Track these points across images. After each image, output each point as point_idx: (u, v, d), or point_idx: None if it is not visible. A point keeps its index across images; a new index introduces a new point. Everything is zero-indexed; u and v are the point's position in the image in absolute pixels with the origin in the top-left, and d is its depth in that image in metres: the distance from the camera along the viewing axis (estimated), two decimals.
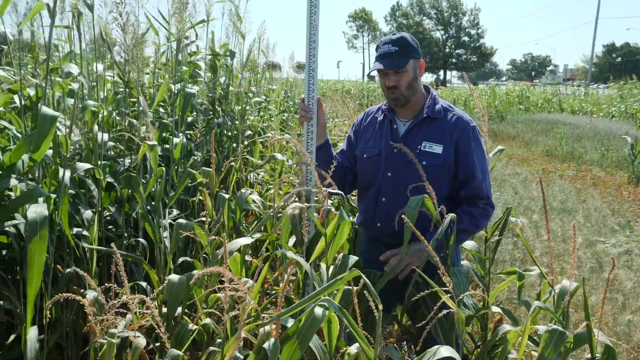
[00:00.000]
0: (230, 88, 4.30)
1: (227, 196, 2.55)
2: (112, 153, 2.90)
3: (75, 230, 2.22)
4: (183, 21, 2.66)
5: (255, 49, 4.70)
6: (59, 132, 2.18)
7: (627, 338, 3.26)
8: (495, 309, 1.96)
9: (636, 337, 3.25)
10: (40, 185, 1.92)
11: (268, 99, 6.54)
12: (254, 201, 2.61)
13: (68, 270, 1.77)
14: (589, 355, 1.54)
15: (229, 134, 4.26)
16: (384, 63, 2.04)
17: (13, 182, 1.83)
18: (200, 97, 3.95)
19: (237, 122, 4.36)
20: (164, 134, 3.31)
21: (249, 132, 4.41)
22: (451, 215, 1.71)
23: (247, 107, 4.59)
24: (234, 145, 4.30)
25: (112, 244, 1.74)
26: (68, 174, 2.05)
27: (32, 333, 1.72)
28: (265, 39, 5.05)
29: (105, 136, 2.44)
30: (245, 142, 4.20)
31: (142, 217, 2.35)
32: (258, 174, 4.30)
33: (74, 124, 2.17)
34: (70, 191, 2.21)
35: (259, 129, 5.08)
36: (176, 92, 2.94)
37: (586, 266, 4.52)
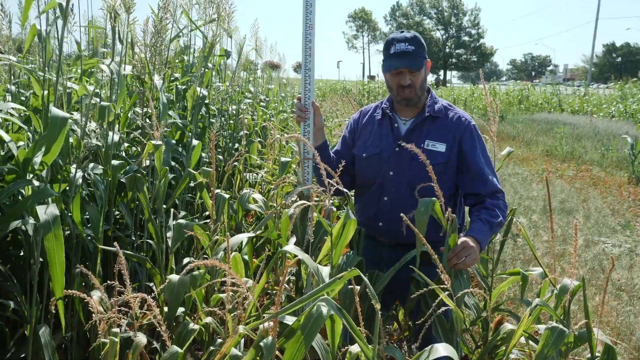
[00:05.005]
0: (222, 88, 4.30)
1: (226, 196, 2.55)
2: (127, 153, 2.91)
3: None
4: (225, 25, 2.68)
5: (247, 48, 4.71)
6: (72, 134, 2.18)
7: (629, 337, 3.27)
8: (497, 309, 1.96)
9: (636, 337, 3.25)
10: (49, 185, 1.92)
11: (267, 98, 6.55)
12: (255, 201, 2.61)
13: (77, 269, 1.77)
14: (590, 355, 1.55)
15: (224, 133, 4.27)
16: (404, 63, 2.03)
17: (22, 183, 1.81)
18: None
19: (232, 122, 4.37)
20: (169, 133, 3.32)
21: (244, 132, 4.41)
22: (454, 216, 1.71)
23: (243, 107, 4.59)
24: (230, 144, 4.31)
25: (116, 243, 1.74)
26: (80, 174, 2.06)
27: (44, 331, 1.74)
28: (256, 37, 5.03)
29: (117, 137, 2.43)
30: (244, 142, 4.21)
31: (145, 217, 2.35)
32: (257, 174, 4.30)
33: (92, 123, 2.20)
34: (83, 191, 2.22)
35: (255, 128, 5.08)
36: (201, 95, 2.94)
37: (587, 266, 4.52)
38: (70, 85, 2.31)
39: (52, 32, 2.15)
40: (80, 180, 2.05)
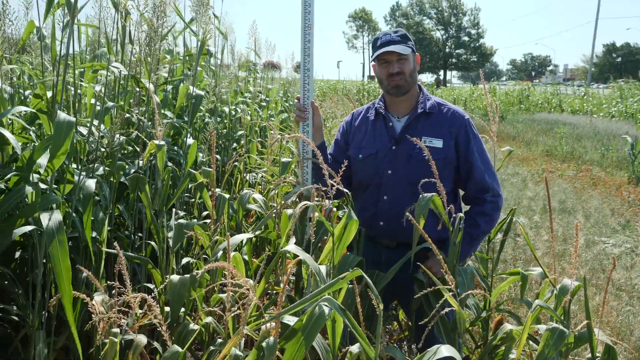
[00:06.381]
0: (217, 89, 4.29)
1: (227, 196, 2.55)
2: (122, 153, 2.90)
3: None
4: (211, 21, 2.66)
5: (245, 49, 4.71)
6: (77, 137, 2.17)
7: (629, 337, 3.27)
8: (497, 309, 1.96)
9: (636, 337, 3.25)
10: (52, 191, 1.90)
11: (268, 98, 6.54)
12: (255, 201, 2.61)
13: (84, 274, 1.75)
14: (590, 355, 1.55)
15: (220, 133, 4.27)
16: (391, 47, 2.07)
17: (28, 189, 1.76)
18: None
19: (226, 121, 4.36)
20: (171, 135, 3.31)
21: (241, 132, 4.41)
22: (460, 215, 1.70)
23: (240, 107, 4.58)
24: (227, 144, 4.30)
25: (115, 244, 1.74)
26: (92, 182, 2.04)
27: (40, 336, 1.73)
28: (254, 38, 5.03)
29: (122, 138, 2.43)
30: (242, 142, 4.20)
31: (147, 217, 2.35)
32: (257, 174, 4.30)
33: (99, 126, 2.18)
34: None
35: (255, 129, 5.08)
36: (194, 94, 2.94)
37: (587, 266, 4.52)
38: (80, 85, 2.30)
39: (49, 30, 2.13)
40: (92, 187, 2.03)
